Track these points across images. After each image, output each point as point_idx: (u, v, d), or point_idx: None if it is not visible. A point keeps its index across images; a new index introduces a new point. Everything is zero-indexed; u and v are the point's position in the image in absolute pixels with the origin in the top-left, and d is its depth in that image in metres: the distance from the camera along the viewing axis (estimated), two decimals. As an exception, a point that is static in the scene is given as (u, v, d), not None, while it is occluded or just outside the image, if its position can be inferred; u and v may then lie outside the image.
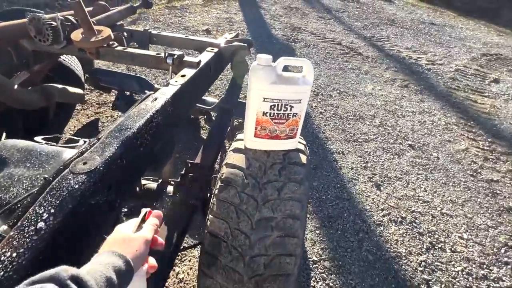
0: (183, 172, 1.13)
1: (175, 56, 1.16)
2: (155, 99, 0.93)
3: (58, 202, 0.56)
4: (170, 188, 1.22)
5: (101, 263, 0.41)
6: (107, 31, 1.27)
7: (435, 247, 1.65)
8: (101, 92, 2.52)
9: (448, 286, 1.46)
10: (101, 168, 0.65)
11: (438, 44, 4.89)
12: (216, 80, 2.13)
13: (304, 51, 3.99)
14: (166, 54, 1.17)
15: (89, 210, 0.62)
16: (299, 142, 0.94)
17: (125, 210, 1.17)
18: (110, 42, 1.26)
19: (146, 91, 2.03)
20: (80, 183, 0.60)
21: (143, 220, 0.56)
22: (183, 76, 1.10)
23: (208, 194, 1.15)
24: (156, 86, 2.07)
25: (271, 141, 0.87)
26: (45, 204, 0.56)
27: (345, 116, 2.75)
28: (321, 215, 1.75)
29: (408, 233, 1.71)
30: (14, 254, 0.48)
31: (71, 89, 1.67)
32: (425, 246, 1.64)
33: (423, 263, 1.55)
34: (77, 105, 2.28)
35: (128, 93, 2.19)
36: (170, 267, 0.95)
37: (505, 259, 1.64)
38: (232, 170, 0.85)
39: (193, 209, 1.08)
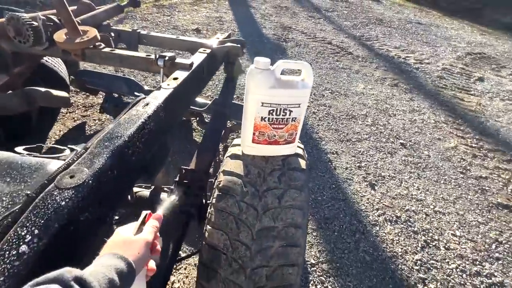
0: (177, 179, 1.09)
1: (167, 58, 1.11)
2: (147, 104, 0.88)
3: (42, 221, 0.51)
4: (163, 195, 1.17)
5: (103, 265, 0.41)
6: (93, 32, 1.21)
7: (430, 245, 1.67)
8: (87, 94, 2.42)
9: (443, 284, 1.48)
10: (90, 181, 0.60)
11: (425, 44, 4.99)
12: (208, 81, 2.08)
13: (295, 51, 3.98)
14: (157, 56, 1.12)
15: (78, 228, 0.57)
16: (298, 147, 0.92)
17: (116, 217, 1.12)
18: (97, 43, 1.20)
19: (135, 93, 1.97)
20: (67, 199, 0.55)
21: (143, 223, 0.55)
22: (175, 79, 1.05)
23: (204, 201, 1.12)
24: (145, 87, 2.01)
25: (270, 146, 0.84)
26: (28, 224, 0.51)
27: (337, 116, 2.76)
28: (317, 217, 1.74)
29: (403, 232, 1.72)
30: None
31: (55, 92, 1.58)
32: (420, 245, 1.66)
33: (419, 262, 1.57)
34: (62, 108, 2.18)
35: (116, 95, 2.12)
36: (166, 280, 0.90)
37: (496, 254, 1.68)
38: (230, 177, 0.81)
39: (188, 218, 1.03)
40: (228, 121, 1.91)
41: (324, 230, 1.67)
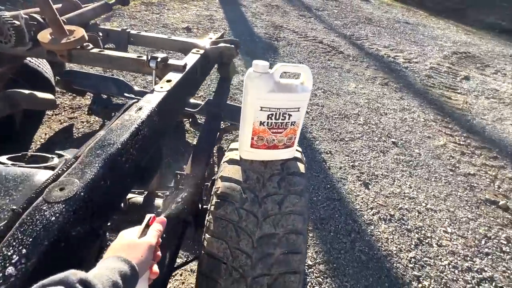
0: (172, 184, 1.05)
1: (159, 59, 1.07)
2: (140, 109, 0.84)
3: (31, 239, 0.48)
4: (158, 201, 1.14)
5: (107, 268, 0.42)
6: (80, 31, 1.15)
7: (423, 243, 1.70)
8: (74, 95, 2.34)
9: (437, 281, 1.51)
10: (82, 193, 0.57)
11: (413, 43, 5.09)
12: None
13: (287, 50, 3.97)
14: (149, 57, 1.08)
15: (69, 243, 0.54)
16: (296, 150, 0.91)
17: (108, 224, 1.08)
18: (84, 44, 1.15)
19: (125, 94, 1.91)
20: (57, 214, 0.52)
21: (147, 226, 0.55)
22: (168, 81, 1.02)
23: (200, 206, 1.09)
24: (135, 87, 1.95)
25: (269, 151, 0.83)
26: (14, 243, 0.47)
27: (330, 115, 2.77)
28: (313, 217, 1.74)
29: (397, 230, 1.75)
30: None
31: (40, 94, 1.51)
32: (413, 242, 1.69)
33: (413, 260, 1.59)
34: (47, 110, 2.08)
35: (105, 96, 2.05)
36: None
37: (486, 249, 1.73)
38: (228, 184, 0.79)
39: (185, 225, 1.01)
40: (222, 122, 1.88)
41: (320, 231, 1.67)
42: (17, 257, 0.45)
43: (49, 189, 0.56)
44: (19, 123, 1.64)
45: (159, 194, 1.22)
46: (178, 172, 1.07)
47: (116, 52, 1.17)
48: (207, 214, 0.81)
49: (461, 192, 2.14)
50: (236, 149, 0.90)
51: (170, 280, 1.33)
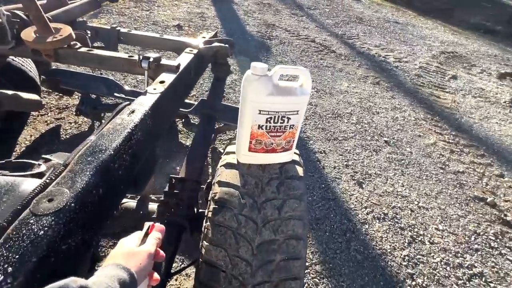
0: (167, 189, 1.02)
1: (151, 60, 1.03)
2: (133, 112, 0.81)
3: (17, 257, 0.45)
4: (152, 206, 1.10)
5: (106, 275, 0.43)
6: (67, 29, 1.10)
7: (416, 241, 1.73)
8: (61, 95, 2.25)
9: (430, 278, 1.54)
10: (73, 204, 0.54)
11: (402, 42, 5.17)
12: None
13: (280, 49, 3.96)
14: (141, 57, 1.04)
15: (59, 258, 0.51)
16: (294, 153, 0.89)
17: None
18: (72, 43, 1.10)
19: (115, 94, 1.85)
20: (46, 228, 0.48)
21: (146, 234, 0.56)
22: (162, 82, 0.98)
23: (195, 210, 1.06)
24: (125, 87, 1.89)
25: (267, 155, 0.81)
26: None
27: (324, 115, 2.78)
28: (309, 218, 1.74)
29: (391, 229, 1.77)
30: None
31: (25, 95, 1.44)
32: (407, 241, 1.72)
33: (407, 258, 1.62)
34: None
35: (94, 96, 1.98)
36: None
37: (475, 246, 1.78)
38: (226, 189, 0.77)
39: (181, 230, 0.98)
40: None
41: (315, 231, 1.67)
42: (2, 276, 0.42)
43: (36, 200, 0.52)
44: (2, 125, 1.56)
45: (152, 198, 1.19)
46: (173, 176, 1.04)
47: (106, 51, 1.12)
48: (204, 221, 0.79)
49: (451, 189, 2.19)
50: (233, 153, 0.88)
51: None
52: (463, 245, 1.77)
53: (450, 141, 2.77)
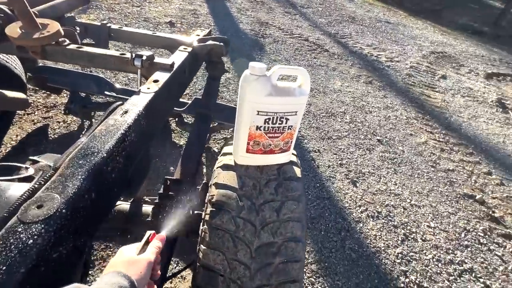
0: (161, 191, 1.00)
1: (145, 58, 1.00)
2: (126, 112, 0.78)
3: (4, 268, 0.42)
4: (146, 208, 1.08)
5: (107, 283, 0.43)
6: (54, 25, 1.05)
7: (408, 238, 1.76)
8: (48, 93, 2.17)
9: (422, 275, 1.57)
10: (64, 210, 0.51)
11: (394, 42, 5.24)
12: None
13: (273, 47, 3.94)
14: (133, 55, 1.00)
15: (50, 267, 0.48)
16: (292, 154, 0.88)
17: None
18: (60, 39, 1.05)
19: (105, 92, 1.80)
20: (35, 236, 0.46)
21: (147, 243, 0.56)
22: (155, 81, 0.95)
23: (191, 212, 1.04)
24: (116, 85, 1.84)
25: (265, 156, 0.80)
26: None
27: (318, 114, 2.79)
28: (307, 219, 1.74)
29: (384, 227, 1.80)
30: None
31: (10, 93, 1.38)
32: (400, 238, 1.75)
33: (400, 255, 1.64)
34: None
35: (83, 94, 1.92)
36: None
37: (465, 242, 1.82)
38: (224, 191, 0.76)
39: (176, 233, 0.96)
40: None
41: (311, 230, 1.67)
42: (-11, 290, 0.40)
43: (24, 206, 0.50)
44: (-15, 125, 1.50)
45: (147, 200, 1.16)
46: (168, 177, 1.01)
47: (97, 48, 1.08)
48: (201, 224, 0.77)
49: (442, 187, 2.23)
50: (230, 154, 0.86)
51: None
52: (454, 241, 1.81)
53: (441, 139, 2.83)
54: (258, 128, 0.73)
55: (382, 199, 1.99)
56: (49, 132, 1.92)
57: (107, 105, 1.85)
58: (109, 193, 0.66)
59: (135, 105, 0.81)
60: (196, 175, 1.12)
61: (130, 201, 1.13)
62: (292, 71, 0.72)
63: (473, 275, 1.63)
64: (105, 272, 0.48)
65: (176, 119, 1.97)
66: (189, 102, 1.65)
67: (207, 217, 0.74)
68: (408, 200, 2.04)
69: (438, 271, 1.60)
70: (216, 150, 2.05)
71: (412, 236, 1.78)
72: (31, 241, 0.45)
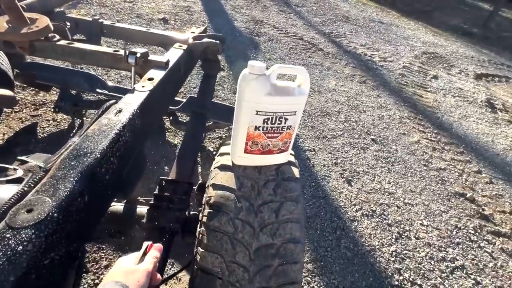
0: (156, 192, 0.97)
1: (139, 55, 0.98)
2: (120, 111, 0.76)
3: None
4: (140, 210, 1.05)
5: None
6: (44, 20, 1.01)
7: (402, 236, 1.78)
8: (37, 90, 2.10)
9: (416, 272, 1.59)
10: (55, 214, 0.49)
11: (387, 42, 5.30)
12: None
13: (268, 46, 3.92)
14: (127, 52, 0.97)
15: (41, 274, 0.46)
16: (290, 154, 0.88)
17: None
18: (50, 35, 1.01)
19: (97, 90, 1.75)
20: (25, 243, 0.44)
21: (145, 253, 0.56)
22: (150, 79, 0.93)
23: (187, 213, 1.02)
24: (109, 82, 1.79)
25: (263, 156, 0.78)
26: None
27: (313, 113, 2.79)
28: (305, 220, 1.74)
29: (379, 225, 1.82)
30: None
31: (-4, 90, 1.32)
32: (394, 236, 1.77)
33: (394, 253, 1.66)
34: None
35: (74, 92, 1.86)
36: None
37: (457, 240, 1.86)
38: (222, 192, 0.74)
39: (172, 234, 0.94)
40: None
41: (307, 229, 1.68)
42: (-24, 301, 0.37)
43: (13, 211, 0.47)
44: (-30, 123, 1.43)
45: (141, 200, 1.13)
46: (163, 178, 0.99)
47: (88, 45, 1.05)
48: (198, 226, 0.76)
49: (434, 186, 2.27)
50: (227, 154, 0.85)
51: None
52: (446, 239, 1.84)
53: (433, 139, 2.88)
54: (256, 128, 0.72)
55: (376, 198, 2.01)
56: (38, 131, 1.86)
57: (99, 103, 1.80)
58: (103, 195, 0.64)
59: (130, 104, 0.79)
60: (192, 175, 1.10)
61: (124, 202, 1.10)
62: (291, 70, 0.71)
63: (464, 271, 1.67)
64: (104, 282, 0.47)
65: (170, 117, 1.94)
66: (184, 100, 1.62)
67: (204, 219, 0.72)
68: (402, 199, 2.07)
69: (431, 269, 1.63)
70: (211, 149, 2.03)
71: (405, 234, 1.80)
72: (20, 247, 0.43)
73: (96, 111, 0.83)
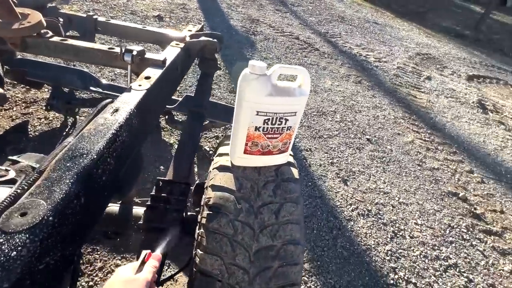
0: (153, 193, 0.96)
1: (135, 53, 0.95)
2: (116, 110, 0.74)
3: None
4: (137, 211, 1.03)
5: None
6: (36, 16, 0.98)
7: (397, 235, 1.80)
8: (28, 87, 2.05)
9: (410, 271, 1.61)
10: (50, 217, 0.47)
11: (381, 43, 5.35)
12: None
13: (264, 45, 3.91)
14: (123, 49, 0.95)
15: (36, 280, 0.44)
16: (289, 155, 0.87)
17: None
18: (42, 31, 0.98)
19: (91, 88, 1.71)
20: (19, 248, 0.42)
21: (143, 263, 0.56)
22: (147, 78, 0.91)
23: (184, 214, 1.01)
24: (103, 80, 1.76)
25: (263, 157, 0.78)
26: None
27: (309, 113, 2.80)
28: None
29: (374, 225, 1.83)
30: None
31: (-15, 87, 1.28)
32: (389, 236, 1.79)
33: (389, 252, 1.68)
34: (-7, 105, 1.80)
35: (66, 89, 1.82)
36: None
37: (450, 238, 1.89)
38: (221, 193, 0.73)
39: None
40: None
41: (304, 229, 1.68)
42: (-32, 310, 0.36)
43: (6, 214, 0.45)
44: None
45: (137, 201, 1.11)
46: (160, 178, 0.97)
47: (82, 42, 1.02)
48: (197, 227, 0.75)
49: (427, 185, 2.31)
50: (226, 154, 0.84)
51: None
52: (439, 238, 1.87)
53: (426, 139, 2.92)
54: (257, 128, 0.71)
55: (372, 198, 2.03)
56: (29, 130, 1.81)
57: (92, 101, 1.76)
58: (99, 197, 0.62)
59: (126, 103, 0.77)
60: (189, 175, 1.09)
61: (119, 202, 1.08)
62: (292, 70, 0.70)
63: (457, 270, 1.70)
64: None
65: (166, 116, 1.91)
66: (180, 99, 1.60)
67: (203, 221, 0.71)
68: (397, 198, 2.09)
69: (425, 267, 1.65)
70: (208, 149, 2.01)
71: (400, 234, 1.82)
72: (14, 253, 0.41)
73: (90, 109, 0.81)
